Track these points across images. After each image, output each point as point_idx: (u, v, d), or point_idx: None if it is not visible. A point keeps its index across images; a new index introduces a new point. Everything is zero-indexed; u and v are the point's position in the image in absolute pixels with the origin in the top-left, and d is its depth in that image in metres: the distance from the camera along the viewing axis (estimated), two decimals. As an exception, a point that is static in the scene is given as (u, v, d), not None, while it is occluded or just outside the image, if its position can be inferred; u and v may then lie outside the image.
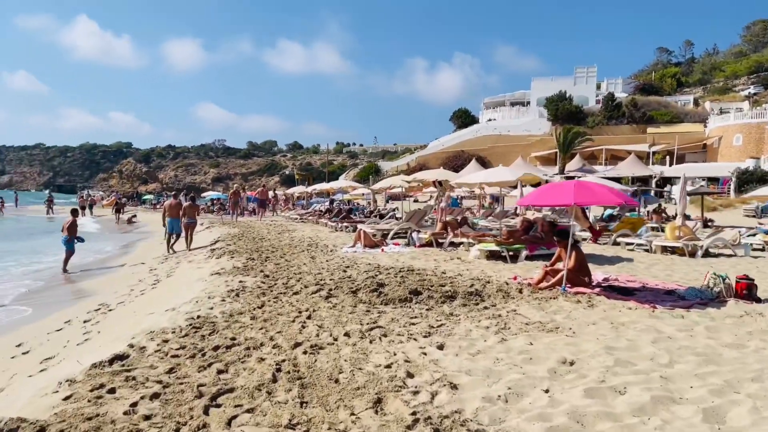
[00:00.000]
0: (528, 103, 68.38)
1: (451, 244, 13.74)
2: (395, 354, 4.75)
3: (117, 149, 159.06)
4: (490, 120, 67.67)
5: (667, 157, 47.75)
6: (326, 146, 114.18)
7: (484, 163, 44.46)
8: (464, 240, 13.22)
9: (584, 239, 14.77)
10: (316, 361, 4.59)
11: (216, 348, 4.97)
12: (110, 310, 8.78)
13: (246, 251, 13.16)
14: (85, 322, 8.00)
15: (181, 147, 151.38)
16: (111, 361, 4.62)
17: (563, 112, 58.77)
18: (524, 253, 11.15)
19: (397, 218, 20.18)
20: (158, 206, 50.47)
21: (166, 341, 5.24)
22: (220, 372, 4.35)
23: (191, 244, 16.12)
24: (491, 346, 5.00)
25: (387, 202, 33.68)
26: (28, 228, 31.42)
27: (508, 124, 63.05)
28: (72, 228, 14.37)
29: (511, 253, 11.16)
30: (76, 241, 14.47)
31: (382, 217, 21.20)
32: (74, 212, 15.46)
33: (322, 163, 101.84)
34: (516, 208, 24.13)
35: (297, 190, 38.58)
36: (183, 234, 16.27)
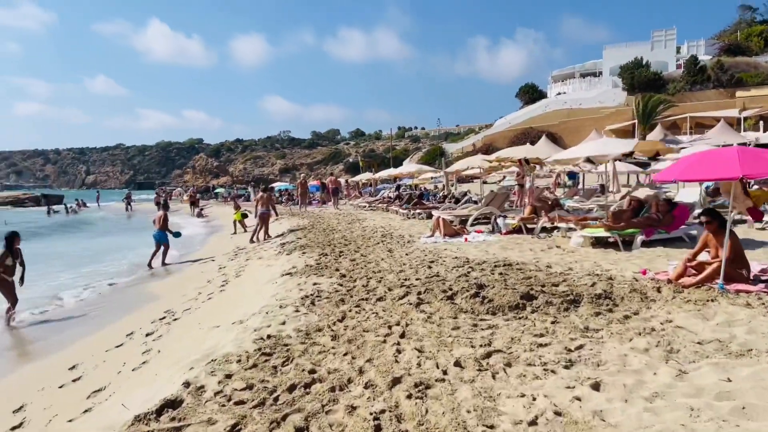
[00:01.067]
0: (600, 73, 64.26)
1: (543, 229, 12.15)
2: (535, 399, 3.40)
3: (189, 146, 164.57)
4: (559, 94, 64.07)
5: (761, 123, 43.14)
6: (390, 131, 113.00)
7: (555, 140, 41.82)
8: (561, 225, 11.57)
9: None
10: (427, 412, 3.31)
11: (291, 388, 3.78)
12: (175, 319, 7.96)
13: (318, 245, 12.14)
14: (147, 335, 7.19)
15: (248, 140, 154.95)
16: (159, 411, 3.54)
17: (640, 80, 54.42)
18: (640, 238, 9.42)
19: (474, 202, 18.65)
20: (228, 199, 51.10)
21: (229, 376, 4.12)
22: (298, 431, 3.16)
23: (263, 235, 16.20)
24: (669, 385, 3.54)
25: (454, 185, 31.97)
26: (105, 226, 32.28)
27: (579, 97, 59.32)
28: (164, 221, 14.48)
29: (622, 239, 9.48)
30: (169, 234, 14.55)
31: (457, 201, 19.68)
32: (164, 206, 15.59)
33: (385, 149, 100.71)
34: (602, 186, 21.91)
35: (364, 176, 37.58)
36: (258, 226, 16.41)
